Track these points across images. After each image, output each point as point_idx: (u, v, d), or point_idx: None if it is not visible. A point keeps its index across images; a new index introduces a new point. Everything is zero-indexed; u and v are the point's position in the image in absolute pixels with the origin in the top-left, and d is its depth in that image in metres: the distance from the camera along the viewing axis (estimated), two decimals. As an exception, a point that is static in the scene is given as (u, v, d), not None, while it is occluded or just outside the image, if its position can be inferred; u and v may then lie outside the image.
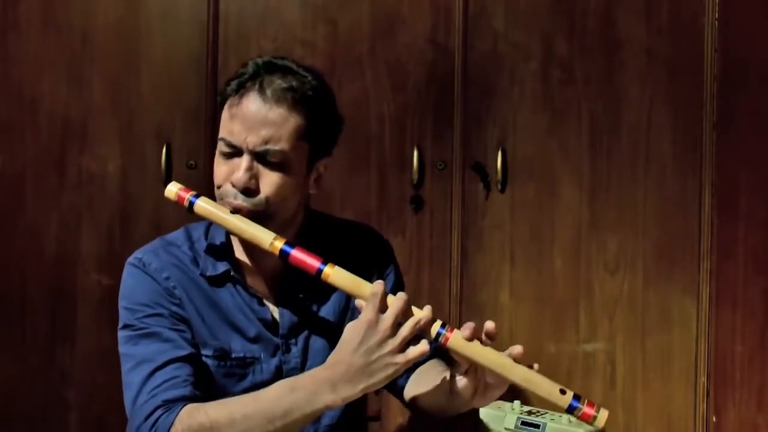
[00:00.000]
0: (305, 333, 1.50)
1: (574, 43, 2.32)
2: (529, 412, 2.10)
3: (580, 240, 2.33)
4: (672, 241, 2.30)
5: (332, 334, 1.46)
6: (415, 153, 2.33)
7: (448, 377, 1.40)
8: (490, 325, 1.33)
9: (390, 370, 1.30)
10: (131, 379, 1.40)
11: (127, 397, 1.40)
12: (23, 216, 2.36)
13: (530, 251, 2.34)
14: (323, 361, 1.37)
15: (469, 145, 2.34)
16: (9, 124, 2.36)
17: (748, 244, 2.25)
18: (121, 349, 1.44)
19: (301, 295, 1.51)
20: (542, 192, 2.34)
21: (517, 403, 2.12)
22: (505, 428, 1.90)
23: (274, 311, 1.50)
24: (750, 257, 2.25)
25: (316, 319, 1.52)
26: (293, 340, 1.49)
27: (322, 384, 1.31)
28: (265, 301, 1.50)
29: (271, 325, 1.49)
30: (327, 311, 1.54)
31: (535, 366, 1.32)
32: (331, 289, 1.42)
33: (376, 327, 1.29)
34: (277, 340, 1.49)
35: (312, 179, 1.48)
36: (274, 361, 1.48)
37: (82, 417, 2.34)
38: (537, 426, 2.03)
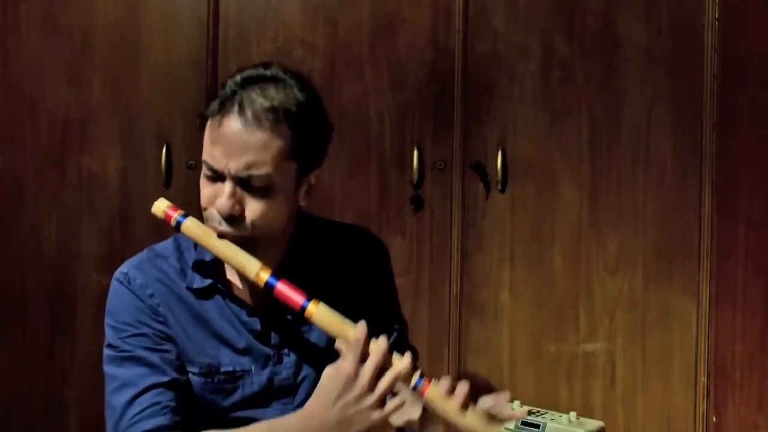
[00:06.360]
0: (298, 344, 1.47)
1: (574, 43, 2.32)
2: (529, 412, 2.10)
3: (580, 240, 2.32)
4: (672, 241, 2.30)
5: (324, 345, 1.45)
6: (415, 153, 2.32)
7: (421, 414, 1.39)
8: (464, 388, 1.30)
9: (366, 425, 1.29)
10: (114, 401, 1.40)
11: (110, 420, 1.40)
12: (23, 216, 2.36)
13: (530, 251, 2.34)
14: (316, 372, 1.36)
15: (469, 145, 2.34)
16: (9, 124, 2.36)
17: (748, 244, 2.25)
18: (105, 368, 1.44)
19: (290, 317, 1.45)
20: (542, 192, 2.34)
21: (517, 403, 2.12)
22: (505, 428, 1.90)
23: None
24: (750, 257, 2.25)
25: (307, 333, 1.48)
26: (285, 350, 1.46)
27: None
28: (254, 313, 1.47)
29: (261, 336, 1.45)
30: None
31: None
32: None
33: (355, 382, 1.27)
34: (268, 351, 1.45)
35: (302, 193, 1.42)
36: (265, 372, 1.45)
37: (82, 417, 2.34)
38: (537, 426, 2.04)
